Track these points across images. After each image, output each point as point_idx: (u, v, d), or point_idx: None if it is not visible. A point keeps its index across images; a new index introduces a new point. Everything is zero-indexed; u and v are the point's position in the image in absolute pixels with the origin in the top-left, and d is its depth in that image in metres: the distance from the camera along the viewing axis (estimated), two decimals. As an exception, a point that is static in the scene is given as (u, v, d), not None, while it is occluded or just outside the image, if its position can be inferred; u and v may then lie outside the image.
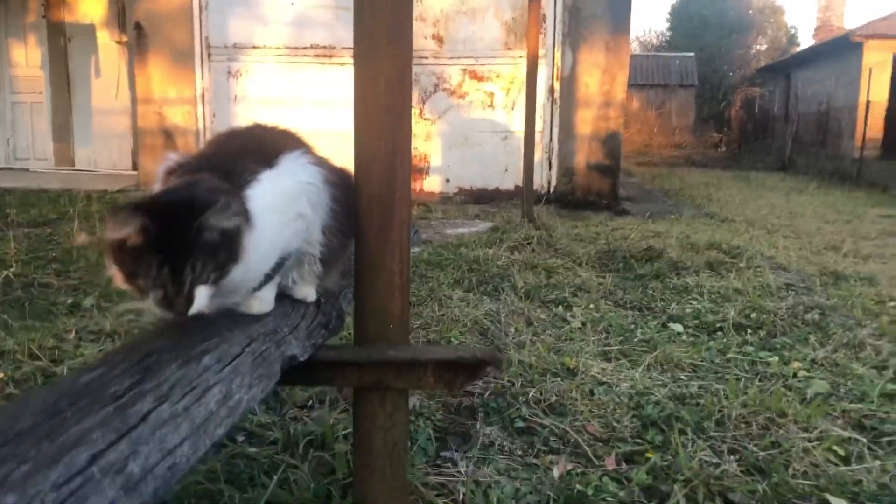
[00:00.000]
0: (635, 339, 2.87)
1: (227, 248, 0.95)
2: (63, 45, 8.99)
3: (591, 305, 3.36)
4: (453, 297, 3.29)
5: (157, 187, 1.07)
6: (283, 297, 1.19)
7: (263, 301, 1.11)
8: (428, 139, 7.27)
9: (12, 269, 3.87)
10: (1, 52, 9.00)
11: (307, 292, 1.24)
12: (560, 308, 3.30)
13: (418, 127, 7.13)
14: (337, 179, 1.22)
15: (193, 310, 0.93)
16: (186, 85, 7.30)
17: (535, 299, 3.41)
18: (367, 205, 1.15)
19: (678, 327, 3.03)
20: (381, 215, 1.14)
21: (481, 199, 7.21)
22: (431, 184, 7.37)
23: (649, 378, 2.40)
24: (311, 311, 1.20)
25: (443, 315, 3.01)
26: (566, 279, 3.80)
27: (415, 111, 7.06)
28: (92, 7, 8.89)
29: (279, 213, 1.08)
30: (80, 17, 8.96)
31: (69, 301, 3.43)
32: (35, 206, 6.17)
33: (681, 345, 2.78)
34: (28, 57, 9.04)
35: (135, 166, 8.31)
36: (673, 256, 4.28)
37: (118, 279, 0.94)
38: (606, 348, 2.76)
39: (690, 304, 3.36)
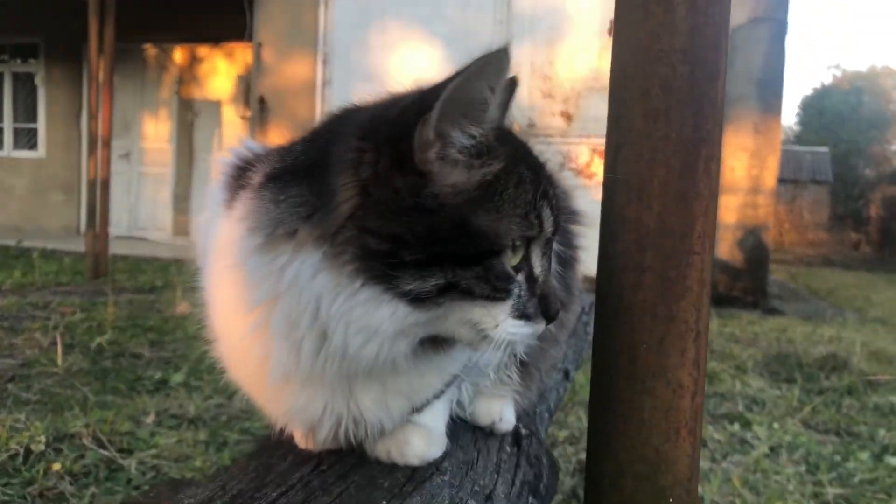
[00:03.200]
0: (854, 478, 2.18)
1: None
2: (190, 120, 9.23)
3: (776, 425, 2.69)
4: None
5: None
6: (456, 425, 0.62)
7: (430, 435, 0.55)
8: (549, 222, 6.76)
9: (106, 337, 3.57)
10: (135, 125, 9.34)
11: (499, 412, 0.67)
12: (736, 426, 2.66)
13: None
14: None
15: None
16: (304, 158, 7.18)
17: (703, 412, 2.74)
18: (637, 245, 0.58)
19: (903, 463, 2.30)
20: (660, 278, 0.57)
21: (606, 288, 6.57)
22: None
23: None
24: (510, 457, 0.62)
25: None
26: (735, 388, 3.13)
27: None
28: (221, 85, 9.13)
29: None
30: (209, 94, 9.22)
31: (157, 376, 3.05)
32: (144, 273, 6.04)
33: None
34: (158, 131, 9.33)
35: (247, 239, 8.22)
36: (863, 367, 3.51)
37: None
38: (818, 489, 2.08)
39: (908, 430, 2.62)
